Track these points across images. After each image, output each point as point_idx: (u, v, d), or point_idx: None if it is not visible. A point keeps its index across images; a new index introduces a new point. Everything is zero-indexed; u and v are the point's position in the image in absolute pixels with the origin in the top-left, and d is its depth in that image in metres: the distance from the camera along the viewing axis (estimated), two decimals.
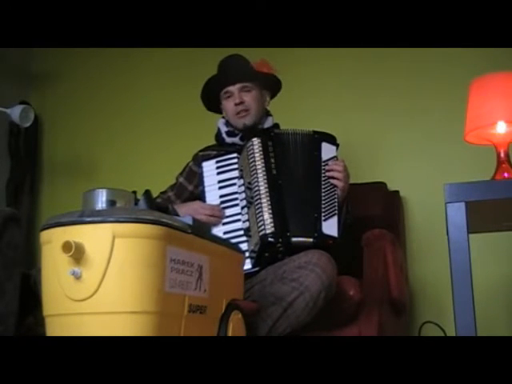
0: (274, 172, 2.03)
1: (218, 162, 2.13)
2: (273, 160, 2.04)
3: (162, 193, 2.29)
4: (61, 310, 1.25)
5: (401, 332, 2.39)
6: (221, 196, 2.10)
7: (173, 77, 3.27)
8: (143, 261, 1.23)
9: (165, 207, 2.16)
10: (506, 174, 1.72)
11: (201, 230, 1.40)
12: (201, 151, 2.30)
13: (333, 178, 2.05)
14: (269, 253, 1.96)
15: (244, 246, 1.94)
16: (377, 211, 2.53)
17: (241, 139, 2.19)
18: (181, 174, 2.32)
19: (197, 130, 2.92)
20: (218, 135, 2.27)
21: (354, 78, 2.99)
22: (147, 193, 2.15)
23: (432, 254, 2.74)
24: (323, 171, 2.06)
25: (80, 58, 3.39)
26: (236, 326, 1.50)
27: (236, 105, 2.18)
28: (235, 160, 2.11)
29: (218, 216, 2.05)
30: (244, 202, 2.05)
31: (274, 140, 2.08)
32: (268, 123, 2.24)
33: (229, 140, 2.23)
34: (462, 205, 1.42)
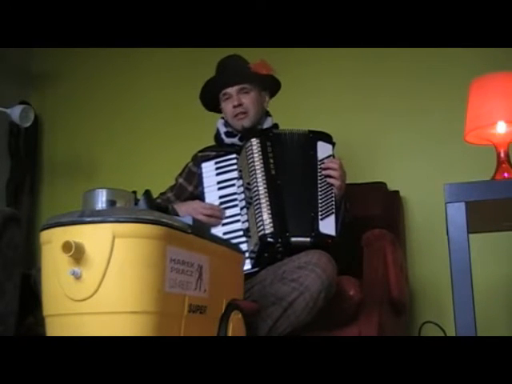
0: (273, 172, 2.03)
1: (217, 162, 2.13)
2: (272, 160, 2.04)
3: (161, 194, 2.29)
4: (61, 310, 1.25)
5: (401, 332, 2.39)
6: (220, 197, 2.10)
7: (173, 77, 3.27)
8: (143, 261, 1.23)
9: (165, 207, 2.17)
10: (505, 174, 1.72)
11: (201, 230, 1.40)
12: (200, 152, 2.30)
13: (329, 176, 2.05)
14: (268, 253, 1.96)
15: (244, 247, 1.94)
16: (377, 211, 2.53)
17: (240, 140, 2.19)
18: (180, 174, 2.32)
19: (197, 131, 2.92)
20: (217, 136, 2.27)
21: (354, 78, 2.99)
22: (147, 193, 2.15)
23: (432, 254, 2.73)
24: (319, 170, 2.06)
25: (80, 58, 3.39)
26: (236, 326, 1.50)
27: (234, 107, 2.18)
28: (234, 161, 2.11)
29: (217, 216, 2.05)
30: (243, 203, 2.05)
31: (272, 140, 2.08)
32: (267, 123, 2.24)
33: (228, 141, 2.23)
34: (462, 205, 1.42)
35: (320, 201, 2.02)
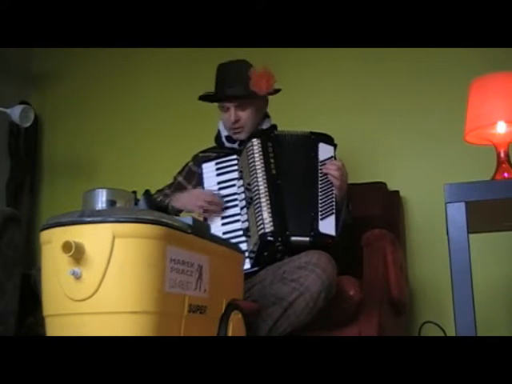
0: (274, 172, 2.03)
1: (217, 163, 2.13)
2: (272, 160, 2.04)
3: (158, 191, 2.29)
4: (61, 310, 1.25)
5: (401, 332, 2.39)
6: (220, 197, 2.10)
7: (173, 77, 3.27)
8: (143, 261, 1.23)
9: (165, 207, 2.18)
10: (505, 174, 1.72)
11: (201, 230, 1.40)
12: (201, 152, 2.30)
13: (330, 176, 2.06)
14: (268, 252, 1.97)
15: (243, 246, 1.94)
16: (377, 211, 2.53)
17: (239, 145, 2.19)
18: (179, 173, 2.33)
19: (196, 130, 2.93)
20: (218, 138, 2.27)
21: (355, 79, 2.99)
22: (147, 193, 2.16)
23: (432, 254, 2.73)
24: (320, 171, 2.06)
25: (80, 58, 3.39)
26: (236, 326, 1.50)
27: (232, 122, 2.17)
28: (235, 162, 2.12)
29: (219, 203, 2.06)
30: (243, 203, 2.05)
31: (273, 141, 2.08)
32: (266, 125, 2.24)
33: (228, 145, 2.24)
34: (462, 205, 1.42)
35: (320, 201, 2.02)
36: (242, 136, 2.19)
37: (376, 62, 2.95)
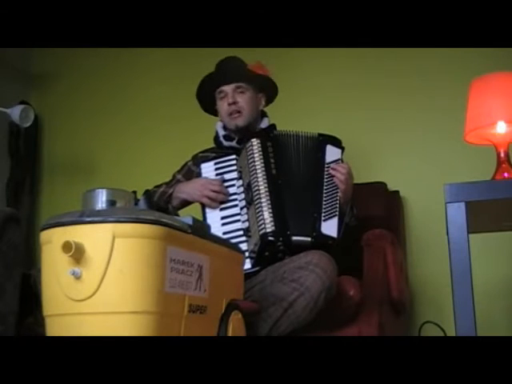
0: (274, 172, 2.03)
1: (216, 163, 2.14)
2: (272, 160, 2.04)
3: (155, 186, 2.29)
4: (61, 309, 1.25)
5: (401, 332, 2.39)
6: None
7: (173, 76, 3.27)
8: (143, 261, 1.23)
9: (165, 207, 2.18)
10: (505, 174, 1.72)
11: (201, 230, 1.40)
12: (201, 152, 2.31)
13: (336, 179, 2.06)
14: (269, 252, 1.96)
15: (243, 247, 1.94)
16: (377, 211, 2.53)
17: (238, 143, 2.20)
18: (179, 171, 2.34)
19: (196, 130, 2.93)
20: (216, 138, 2.28)
21: (354, 78, 2.99)
22: (147, 193, 2.16)
23: (432, 254, 2.74)
24: (326, 173, 2.06)
25: (80, 58, 3.39)
26: (236, 326, 1.50)
27: (229, 105, 2.18)
28: (234, 161, 2.12)
29: (225, 192, 2.06)
30: (243, 203, 2.05)
31: (273, 141, 2.08)
32: (264, 124, 2.25)
33: (226, 144, 2.24)
34: (462, 205, 1.42)
35: (324, 202, 2.02)
36: (240, 121, 2.19)
37: (376, 61, 2.95)
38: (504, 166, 1.74)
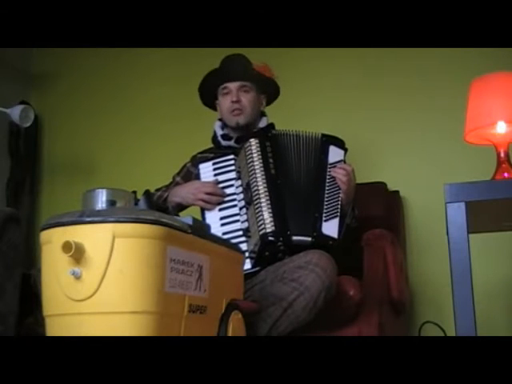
0: (273, 172, 2.03)
1: (214, 163, 2.13)
2: (271, 160, 2.04)
3: (156, 190, 2.29)
4: (61, 309, 1.25)
5: (401, 332, 2.39)
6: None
7: (173, 76, 3.27)
8: (143, 261, 1.23)
9: (165, 207, 2.18)
10: (505, 174, 1.72)
11: (201, 230, 1.40)
12: (199, 153, 2.31)
13: (338, 180, 2.06)
14: (269, 252, 1.96)
15: (243, 247, 1.94)
16: (377, 211, 2.53)
17: (236, 142, 2.20)
18: (178, 173, 2.34)
19: (196, 129, 2.93)
20: (214, 138, 2.28)
21: (354, 78, 2.99)
22: (147, 193, 2.16)
23: (432, 254, 2.74)
24: (328, 173, 2.06)
25: (80, 58, 3.39)
26: (236, 326, 1.50)
27: (232, 102, 2.18)
28: (232, 161, 2.11)
29: (219, 194, 2.06)
30: (242, 203, 2.05)
31: (271, 140, 2.08)
32: (262, 123, 2.25)
33: (224, 143, 2.24)
34: (462, 205, 1.42)
35: (326, 203, 2.02)
36: (241, 119, 2.19)
37: (376, 61, 2.95)
38: (504, 165, 1.74)
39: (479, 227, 1.81)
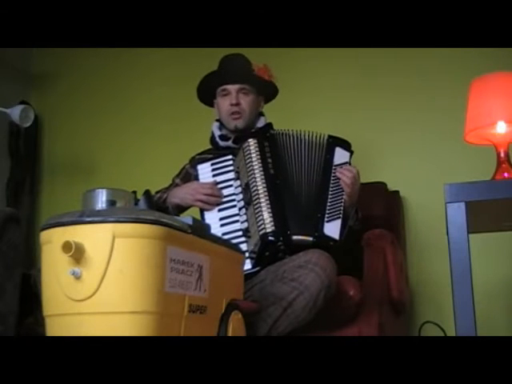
0: (272, 172, 2.03)
1: (213, 164, 2.13)
2: (270, 160, 2.04)
3: (156, 192, 2.30)
4: (61, 309, 1.25)
5: (401, 332, 2.39)
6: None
7: (173, 77, 3.27)
8: (143, 261, 1.23)
9: (165, 207, 2.18)
10: (505, 174, 1.72)
11: (201, 230, 1.40)
12: (198, 154, 2.31)
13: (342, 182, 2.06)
14: (269, 252, 1.96)
15: (243, 247, 1.94)
16: (377, 211, 2.53)
17: (234, 142, 2.20)
18: (177, 175, 2.35)
19: (196, 129, 2.92)
20: (212, 139, 2.28)
21: (354, 78, 2.99)
22: (147, 193, 2.16)
23: (432, 254, 2.74)
24: (333, 174, 2.06)
25: (80, 58, 3.39)
26: (236, 326, 1.50)
27: (232, 105, 2.18)
28: (230, 162, 2.11)
29: (217, 195, 2.06)
30: (241, 203, 2.05)
31: (270, 140, 2.08)
32: (260, 123, 2.24)
33: (222, 144, 2.24)
34: (462, 205, 1.42)
35: (329, 204, 2.02)
36: (240, 123, 2.19)
37: (375, 61, 2.95)
38: (504, 165, 1.74)
39: (479, 227, 1.81)
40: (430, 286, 2.74)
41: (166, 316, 1.26)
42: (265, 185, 2.00)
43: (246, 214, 2.03)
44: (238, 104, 2.18)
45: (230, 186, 2.09)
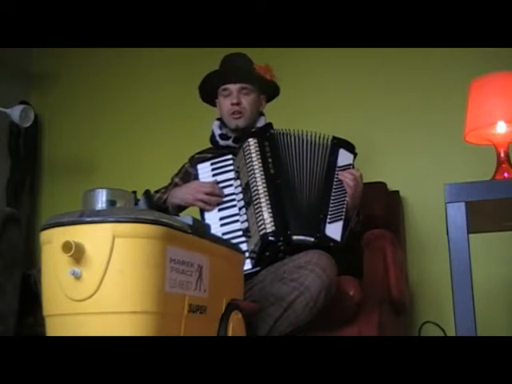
0: (272, 171, 2.02)
1: (212, 163, 2.13)
2: (270, 160, 2.04)
3: (156, 192, 2.29)
4: (61, 309, 1.25)
5: (401, 332, 2.39)
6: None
7: (173, 76, 3.27)
8: (143, 261, 1.23)
9: (165, 207, 2.18)
10: (505, 174, 1.72)
11: (201, 230, 1.40)
12: (198, 154, 2.31)
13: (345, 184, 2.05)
14: (270, 252, 1.96)
15: (243, 247, 1.94)
16: (377, 211, 2.53)
17: (234, 142, 2.20)
18: (177, 174, 2.34)
19: (196, 129, 2.92)
20: (212, 138, 2.28)
21: (354, 78, 2.99)
22: (147, 193, 2.17)
23: (432, 254, 2.73)
24: (336, 176, 2.06)
25: (80, 58, 3.39)
26: (236, 326, 1.50)
27: (232, 104, 2.18)
28: (230, 161, 2.11)
29: (218, 194, 2.06)
30: (242, 203, 2.05)
31: (270, 140, 2.07)
32: (260, 123, 2.24)
33: (222, 143, 2.24)
34: (462, 205, 1.42)
35: (331, 205, 2.01)
36: (241, 122, 2.19)
37: (376, 61, 2.95)
38: (504, 165, 1.74)
39: (479, 227, 1.81)
40: (429, 286, 2.74)
41: (166, 316, 1.26)
42: (265, 184, 1.99)
43: (246, 213, 2.03)
44: (238, 103, 2.18)
45: (230, 185, 2.09)
